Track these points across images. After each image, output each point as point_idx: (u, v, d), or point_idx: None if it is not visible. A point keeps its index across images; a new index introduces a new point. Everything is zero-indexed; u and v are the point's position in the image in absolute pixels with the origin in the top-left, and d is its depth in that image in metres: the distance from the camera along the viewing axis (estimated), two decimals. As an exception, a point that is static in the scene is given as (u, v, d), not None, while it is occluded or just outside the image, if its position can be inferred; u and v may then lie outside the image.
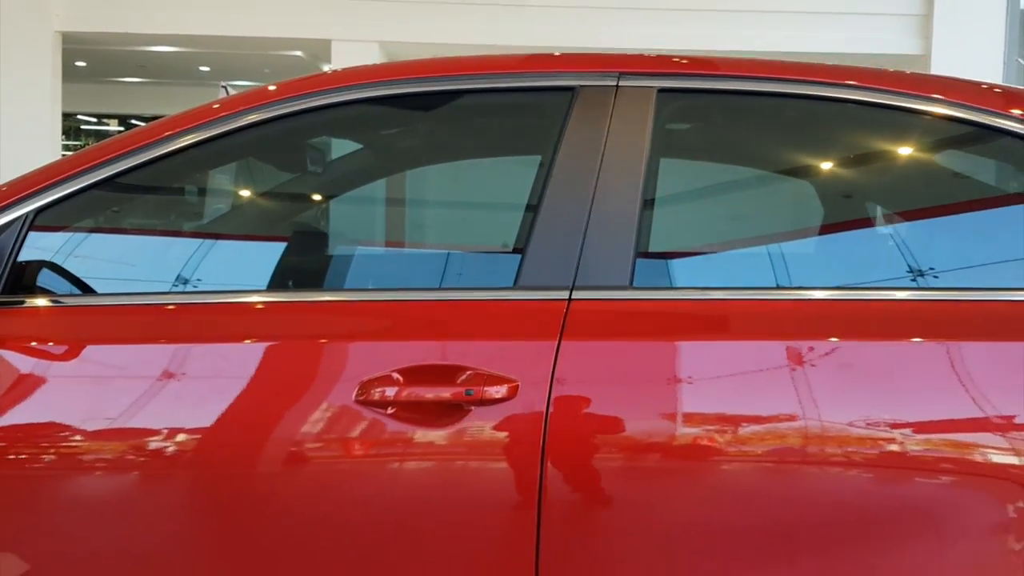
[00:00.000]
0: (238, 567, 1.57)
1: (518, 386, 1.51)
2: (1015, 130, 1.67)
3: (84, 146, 4.22)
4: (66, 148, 15.10)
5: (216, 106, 1.69)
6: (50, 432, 1.59)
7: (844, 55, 11.78)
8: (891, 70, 1.79)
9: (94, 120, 19.55)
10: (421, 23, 11.49)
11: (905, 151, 1.90)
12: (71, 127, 18.76)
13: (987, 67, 10.95)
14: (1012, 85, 1.95)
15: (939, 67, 10.91)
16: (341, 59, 11.78)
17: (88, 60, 14.60)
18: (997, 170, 1.86)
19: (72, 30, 11.43)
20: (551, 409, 1.50)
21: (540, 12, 11.59)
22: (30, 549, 1.60)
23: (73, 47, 12.55)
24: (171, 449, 1.55)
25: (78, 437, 1.58)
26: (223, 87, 2.37)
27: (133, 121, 17.43)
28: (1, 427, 1.57)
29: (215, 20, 11.32)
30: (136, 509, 1.58)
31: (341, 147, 2.02)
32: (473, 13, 11.60)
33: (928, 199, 1.95)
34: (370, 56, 11.75)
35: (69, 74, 14.44)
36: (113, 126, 18.99)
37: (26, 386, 1.61)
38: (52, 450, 1.59)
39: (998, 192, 1.90)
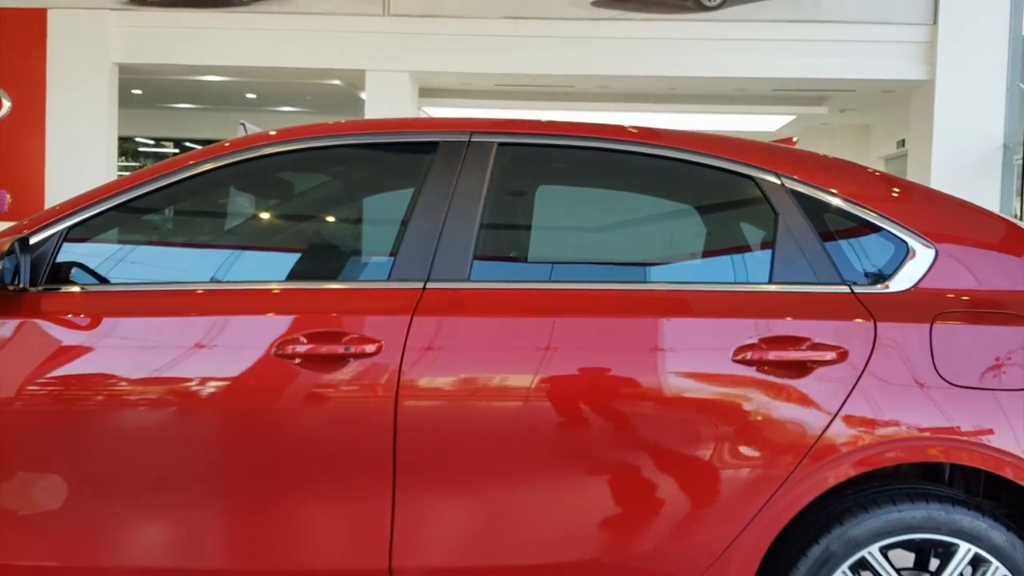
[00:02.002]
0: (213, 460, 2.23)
1: (382, 345, 2.21)
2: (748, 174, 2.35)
3: (142, 167, 4.65)
4: (124, 168, 15.91)
5: (180, 158, 2.42)
6: (78, 377, 2.31)
7: (852, 81, 12.13)
8: (649, 128, 2.49)
9: (152, 143, 20.55)
10: (448, 55, 11.95)
11: (649, 183, 2.59)
12: (130, 150, 19.73)
13: (990, 92, 11.20)
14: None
15: (944, 92, 11.23)
16: (375, 87, 12.34)
17: (144, 88, 15.20)
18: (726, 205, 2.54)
19: (128, 61, 12.19)
20: (403, 360, 2.20)
21: (557, 42, 11.95)
22: (57, 465, 2.30)
23: (129, 77, 13.21)
24: (154, 387, 2.27)
25: (94, 380, 2.30)
26: (242, 124, 3.01)
27: (187, 144, 18.28)
28: (46, 374, 2.30)
29: (259, 52, 12.02)
30: (127, 432, 2.29)
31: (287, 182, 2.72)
32: (496, 45, 11.98)
33: (666, 218, 2.64)
34: (402, 84, 12.35)
35: (126, 101, 15.21)
36: (169, 148, 19.91)
37: (61, 345, 2.34)
38: (77, 390, 2.31)
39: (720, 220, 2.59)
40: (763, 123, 15.14)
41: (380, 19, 12.15)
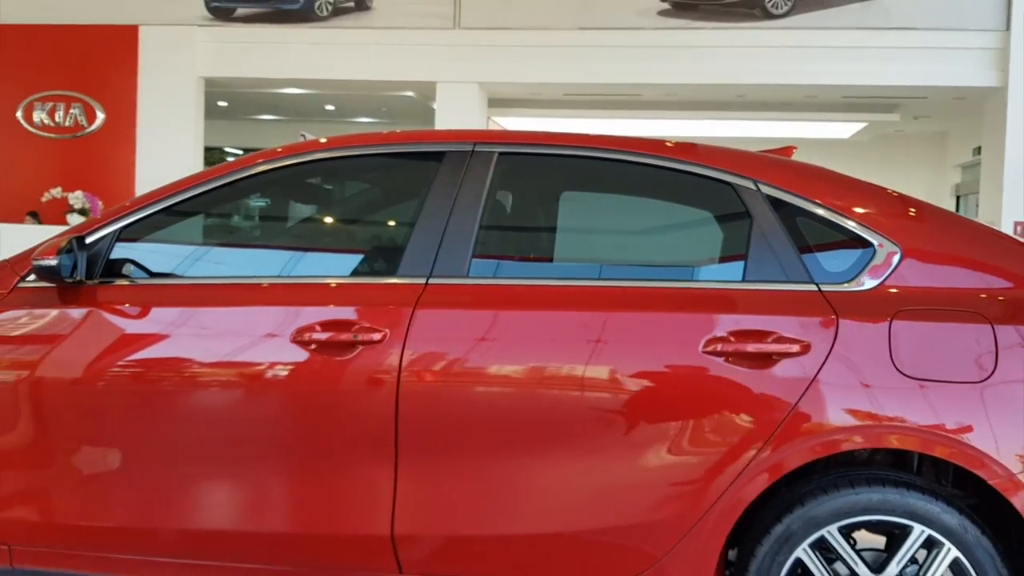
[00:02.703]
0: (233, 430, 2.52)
1: (387, 333, 2.46)
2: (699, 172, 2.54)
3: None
4: (210, 178, 16.59)
5: (214, 168, 2.72)
6: (129, 357, 2.63)
7: (923, 88, 11.96)
8: (623, 136, 2.70)
9: (241, 152, 21.39)
10: (516, 65, 12.21)
11: (634, 189, 2.79)
12: (218, 159, 20.60)
13: (1064, 98, 10.97)
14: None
15: (1017, 99, 11.02)
16: (445, 98, 12.69)
17: (229, 100, 15.75)
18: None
19: (213, 75, 12.76)
20: (405, 346, 2.45)
21: (623, 51, 12.07)
22: (102, 434, 2.61)
23: (215, 90, 13.77)
24: (192, 368, 2.57)
25: (142, 359, 2.62)
26: (302, 135, 3.29)
27: (271, 153, 18.97)
28: (100, 353, 2.61)
29: (336, 65, 12.46)
30: (164, 403, 2.59)
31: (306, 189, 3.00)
32: (563, 55, 12.15)
33: (648, 221, 2.83)
34: (471, 95, 12.67)
35: (213, 113, 15.84)
36: (254, 158, 20.70)
37: (114, 330, 2.66)
38: (131, 368, 2.62)
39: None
40: (835, 130, 15.01)
41: (451, 32, 12.45)
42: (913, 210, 2.57)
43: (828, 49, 11.75)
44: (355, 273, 2.80)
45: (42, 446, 2.62)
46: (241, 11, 12.69)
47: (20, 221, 12.30)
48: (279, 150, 2.75)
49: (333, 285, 2.61)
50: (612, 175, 2.75)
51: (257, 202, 2.92)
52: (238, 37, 12.65)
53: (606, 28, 12.09)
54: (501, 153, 2.64)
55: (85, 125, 12.90)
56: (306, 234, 3.18)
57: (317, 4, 12.74)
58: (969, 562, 2.26)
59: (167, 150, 12.38)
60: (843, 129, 14.91)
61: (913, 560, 2.32)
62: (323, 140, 2.76)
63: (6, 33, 12.97)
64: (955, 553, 2.26)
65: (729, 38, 11.78)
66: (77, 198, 12.16)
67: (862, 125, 14.52)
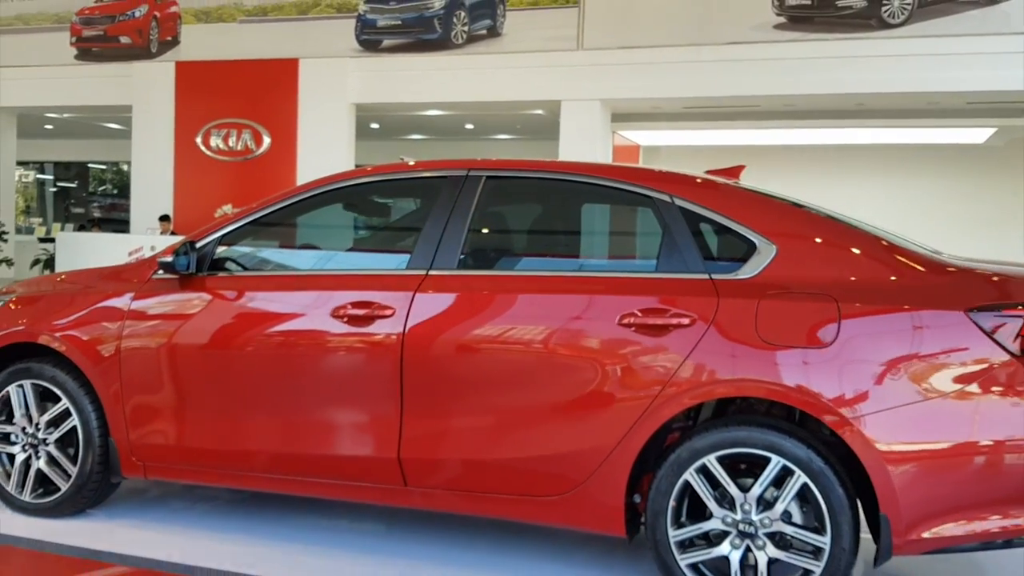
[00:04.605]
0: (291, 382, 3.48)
1: (395, 310, 3.37)
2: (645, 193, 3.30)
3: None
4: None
5: (285, 191, 3.72)
6: (223, 328, 3.64)
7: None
8: (576, 162, 3.49)
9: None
10: (636, 82, 12.78)
11: (582, 202, 3.61)
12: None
13: None
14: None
15: None
16: (569, 115, 13.48)
17: (380, 123, 17.12)
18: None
19: (363, 101, 14.05)
20: (408, 319, 3.34)
21: (740, 64, 12.46)
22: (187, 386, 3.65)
23: (367, 114, 15.09)
24: (275, 337, 3.52)
25: (234, 330, 3.63)
26: (402, 159, 4.24)
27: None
28: (207, 324, 3.64)
29: (471, 88, 13.50)
30: (251, 360, 3.57)
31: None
32: (682, 71, 12.66)
33: (589, 225, 3.62)
34: (593, 111, 13.42)
35: (367, 134, 17.20)
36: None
37: (217, 308, 3.68)
38: (223, 336, 3.62)
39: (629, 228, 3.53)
40: (966, 136, 14.81)
41: (574, 53, 13.23)
42: (794, 216, 3.24)
43: (948, 56, 11.72)
44: (377, 266, 3.74)
45: (168, 392, 3.68)
46: (387, 42, 13.93)
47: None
48: (326, 178, 3.73)
49: (360, 275, 3.56)
50: (567, 192, 3.58)
51: (312, 215, 3.90)
52: (384, 66, 13.88)
53: (722, 43, 12.49)
54: (488, 177, 3.51)
55: (254, 149, 14.52)
56: (344, 238, 4.18)
57: (453, 33, 13.78)
58: (815, 486, 2.92)
59: (324, 169, 13.05)
60: (975, 135, 14.71)
61: (774, 484, 2.98)
62: (365, 168, 3.73)
63: (187, 69, 14.75)
64: (803, 479, 2.92)
65: (847, 48, 12.00)
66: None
67: (992, 130, 14.31)
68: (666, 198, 3.28)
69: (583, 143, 13.34)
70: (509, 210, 3.80)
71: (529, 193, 3.70)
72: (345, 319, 3.41)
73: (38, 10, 15.80)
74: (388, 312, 3.36)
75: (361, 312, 3.39)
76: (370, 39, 13.98)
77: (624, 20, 12.93)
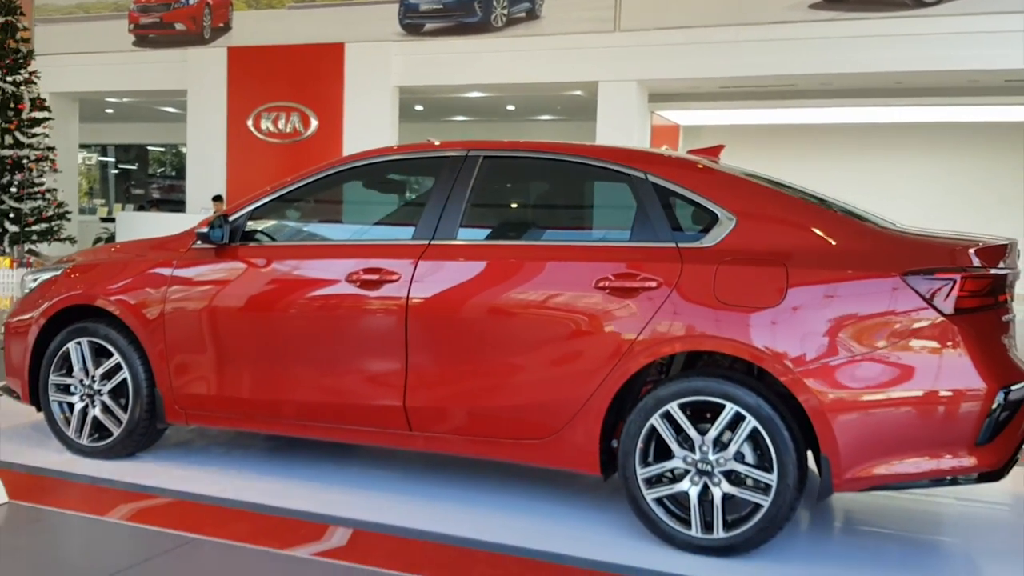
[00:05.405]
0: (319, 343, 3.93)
1: (400, 275, 3.79)
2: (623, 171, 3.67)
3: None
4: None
5: (306, 171, 4.16)
6: (258, 290, 4.09)
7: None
8: (561, 143, 3.83)
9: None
10: (673, 62, 13.03)
11: (567, 178, 4.00)
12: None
13: None
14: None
15: None
16: (606, 96, 13.76)
17: (424, 105, 17.57)
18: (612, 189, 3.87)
19: (406, 84, 14.50)
20: (412, 282, 3.76)
21: (776, 44, 12.62)
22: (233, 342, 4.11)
23: (412, 96, 15.54)
24: (298, 300, 3.93)
25: (264, 292, 4.08)
26: (429, 140, 4.64)
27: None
28: (239, 291, 4.11)
29: (511, 70, 13.90)
30: (279, 320, 4.01)
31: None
32: (718, 51, 12.83)
33: (572, 200, 4.00)
34: (630, 92, 13.69)
35: (412, 116, 17.65)
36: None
37: (251, 277, 4.12)
38: (258, 296, 4.06)
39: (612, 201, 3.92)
40: (1006, 114, 14.74)
41: (611, 35, 13.50)
42: (755, 192, 3.58)
43: (985, 34, 11.75)
44: (386, 237, 4.18)
45: (205, 348, 4.15)
46: (428, 26, 14.37)
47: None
48: (343, 158, 4.17)
49: (371, 245, 4.00)
50: (555, 170, 3.96)
51: (330, 191, 4.35)
52: (426, 49, 14.32)
53: (758, 23, 12.68)
54: (485, 156, 3.91)
55: (302, 131, 15.10)
56: (358, 212, 4.63)
57: (493, 16, 14.14)
58: (763, 430, 3.27)
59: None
60: (1017, 112, 14.65)
61: (728, 428, 3.35)
62: (377, 149, 4.19)
63: (238, 55, 15.34)
64: (753, 423, 3.28)
65: (884, 27, 12.10)
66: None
67: (1034, 107, 14.26)
68: (640, 175, 3.65)
69: (620, 123, 13.63)
70: (504, 186, 4.20)
71: (522, 171, 4.09)
72: (358, 283, 3.85)
73: (98, -1, 16.52)
74: (395, 277, 3.79)
75: (372, 277, 3.82)
76: (413, 23, 14.41)
77: (661, 1, 13.15)
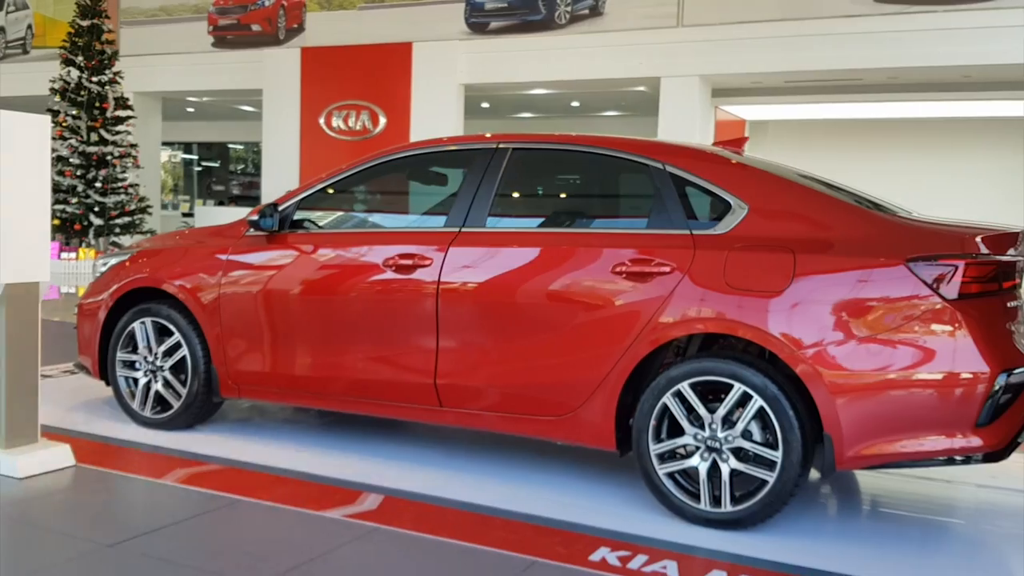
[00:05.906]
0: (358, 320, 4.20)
1: (432, 260, 4.03)
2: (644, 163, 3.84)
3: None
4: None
5: (352, 162, 4.42)
6: (306, 274, 4.37)
7: None
8: (585, 135, 3.99)
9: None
10: (736, 57, 12.96)
11: (590, 169, 4.15)
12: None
13: None
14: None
15: None
16: (669, 92, 13.77)
17: (490, 102, 17.78)
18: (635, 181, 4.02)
19: (471, 82, 14.75)
20: (443, 267, 3.99)
21: (841, 38, 12.49)
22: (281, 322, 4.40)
23: (478, 94, 15.77)
24: (341, 283, 4.18)
25: (312, 275, 4.35)
26: (485, 135, 4.90)
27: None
28: (290, 271, 4.41)
29: (574, 66, 14.00)
30: (325, 301, 4.30)
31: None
32: (782, 45, 12.75)
33: (596, 189, 4.18)
34: (692, 87, 13.71)
35: (478, 113, 17.88)
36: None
37: (298, 262, 4.41)
38: (306, 279, 4.34)
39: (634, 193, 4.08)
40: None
41: (674, 30, 13.52)
42: (768, 181, 3.71)
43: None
44: (421, 225, 4.44)
45: (257, 328, 4.46)
46: (493, 24, 14.60)
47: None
48: (384, 150, 4.44)
49: (406, 232, 4.26)
50: (579, 161, 4.14)
51: (372, 182, 4.62)
52: (491, 47, 14.54)
53: (823, 17, 12.54)
54: (514, 148, 4.13)
55: (371, 128, 15.46)
56: (396, 201, 4.92)
57: (557, 13, 14.29)
58: (769, 409, 3.41)
59: (434, 146, 14.56)
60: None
61: (737, 407, 3.49)
62: (416, 142, 4.43)
63: (311, 55, 15.80)
64: (760, 402, 3.42)
65: (951, 20, 11.91)
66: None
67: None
68: (659, 165, 3.82)
69: (683, 119, 13.65)
70: (531, 177, 4.40)
71: (548, 162, 4.29)
72: (394, 268, 4.10)
73: (179, 1, 17.17)
74: (427, 262, 4.03)
75: (407, 262, 4.07)
76: (478, 21, 14.66)
77: (723, -4, 13.24)
